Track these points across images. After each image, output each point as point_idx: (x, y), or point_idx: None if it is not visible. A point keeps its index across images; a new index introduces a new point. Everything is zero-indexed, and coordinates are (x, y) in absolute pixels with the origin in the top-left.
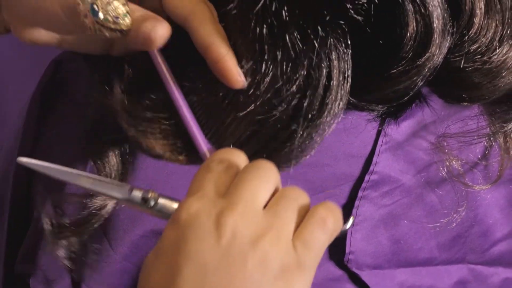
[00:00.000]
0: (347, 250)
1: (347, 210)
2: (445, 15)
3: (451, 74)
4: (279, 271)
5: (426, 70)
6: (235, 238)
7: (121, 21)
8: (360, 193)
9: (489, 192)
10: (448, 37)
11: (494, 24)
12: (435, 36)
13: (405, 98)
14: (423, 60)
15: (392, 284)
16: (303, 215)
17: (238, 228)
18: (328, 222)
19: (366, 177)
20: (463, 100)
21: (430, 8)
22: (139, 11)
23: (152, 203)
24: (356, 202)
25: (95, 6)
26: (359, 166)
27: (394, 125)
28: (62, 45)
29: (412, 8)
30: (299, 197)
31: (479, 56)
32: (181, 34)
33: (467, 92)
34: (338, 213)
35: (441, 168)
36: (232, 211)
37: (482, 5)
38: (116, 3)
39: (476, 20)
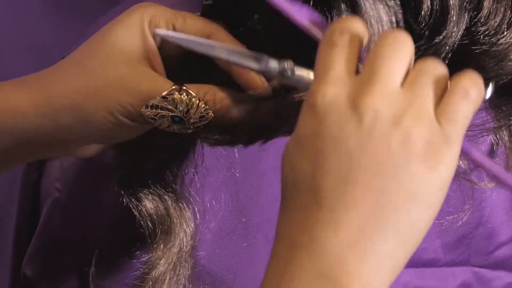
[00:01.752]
0: None
1: None
2: None
3: (458, 57)
4: (424, 148)
5: (445, 48)
6: (376, 120)
7: (205, 117)
8: None
9: (495, 192)
10: (466, 14)
11: (503, 9)
12: (452, 13)
13: None
14: (441, 37)
15: (397, 285)
16: (443, 87)
17: (378, 110)
18: (472, 93)
19: None
20: None
21: None
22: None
23: (289, 73)
24: None
25: (176, 118)
26: None
27: None
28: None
29: None
30: (436, 69)
31: (487, 38)
32: None
33: None
34: (480, 82)
35: None
36: (370, 92)
37: None
38: (193, 102)
39: (486, 3)
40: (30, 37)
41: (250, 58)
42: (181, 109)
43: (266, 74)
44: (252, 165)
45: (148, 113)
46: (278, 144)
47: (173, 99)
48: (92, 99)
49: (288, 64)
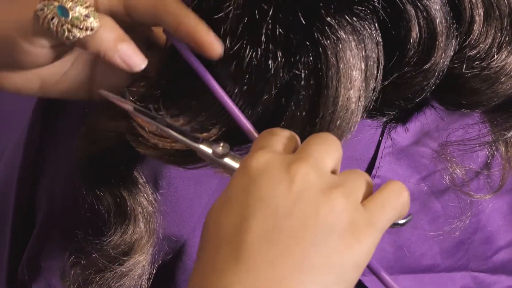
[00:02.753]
0: None
1: None
2: (448, 18)
3: (450, 80)
4: (347, 225)
5: (433, 74)
6: (306, 185)
7: (91, 18)
8: None
9: (492, 198)
10: (453, 40)
11: (493, 31)
12: (440, 40)
13: (413, 103)
14: (429, 64)
15: None
16: (370, 190)
17: (310, 177)
18: (404, 195)
19: None
20: (462, 106)
21: (432, 12)
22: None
23: (221, 153)
24: None
25: (64, 6)
26: (361, 169)
27: (403, 130)
28: (44, 92)
29: (414, 13)
30: (366, 175)
31: (478, 62)
32: None
33: (466, 98)
34: (409, 195)
35: (444, 176)
36: (304, 162)
37: (481, 11)
38: (83, 4)
39: (476, 26)
40: None
41: (186, 135)
42: (68, 1)
43: (200, 153)
44: None
45: (39, 5)
46: None
47: None
48: (1, 10)
49: (222, 145)
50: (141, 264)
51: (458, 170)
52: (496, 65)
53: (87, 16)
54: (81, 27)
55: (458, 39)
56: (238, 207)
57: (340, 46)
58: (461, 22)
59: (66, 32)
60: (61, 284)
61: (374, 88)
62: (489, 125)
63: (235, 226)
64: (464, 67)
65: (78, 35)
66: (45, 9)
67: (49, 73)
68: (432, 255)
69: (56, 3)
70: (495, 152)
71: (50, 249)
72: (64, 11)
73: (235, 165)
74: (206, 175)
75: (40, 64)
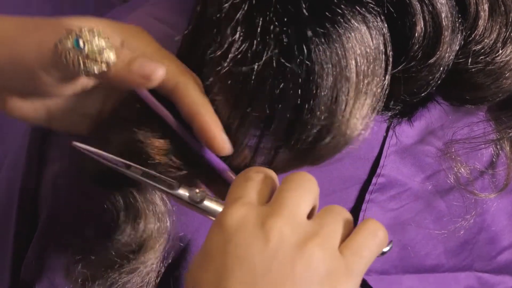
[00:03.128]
0: None
1: (354, 213)
2: (454, 12)
3: (454, 75)
4: (326, 275)
5: (438, 68)
6: (282, 241)
7: (107, 54)
8: (367, 196)
9: (497, 198)
10: (458, 35)
11: (498, 26)
12: (445, 34)
13: (418, 98)
14: (434, 59)
15: None
16: (348, 229)
17: (285, 232)
18: (380, 234)
19: (373, 180)
20: (466, 102)
21: (438, 7)
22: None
23: (198, 200)
24: (364, 206)
25: (80, 40)
26: (366, 168)
27: (408, 125)
28: (51, 122)
29: (420, 8)
30: (343, 212)
31: (482, 57)
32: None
33: (470, 93)
34: (385, 230)
35: (449, 175)
36: (278, 216)
37: (486, 7)
38: (100, 37)
39: (481, 22)
40: None
41: (162, 183)
42: (87, 32)
43: (177, 199)
44: None
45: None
46: None
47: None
48: (25, 34)
49: (199, 192)
50: (150, 262)
51: (462, 169)
52: (500, 60)
53: (103, 49)
54: (97, 60)
55: (463, 33)
56: (216, 265)
57: (353, 34)
58: (466, 17)
59: (82, 66)
60: (65, 283)
61: (384, 80)
62: (494, 123)
63: (214, 284)
64: (469, 61)
65: (93, 68)
66: (64, 41)
67: (57, 107)
68: (436, 254)
69: (74, 35)
70: (500, 151)
71: (53, 249)
72: (80, 44)
73: (214, 209)
74: None
75: (53, 95)
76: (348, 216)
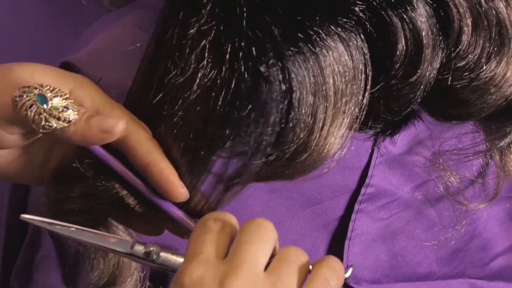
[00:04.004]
0: (344, 265)
1: (343, 223)
2: (434, 30)
3: (439, 92)
4: None
5: (419, 87)
6: None
7: (70, 110)
8: (356, 207)
9: (488, 205)
10: (439, 52)
11: (481, 41)
12: (426, 52)
13: (400, 116)
14: (415, 77)
15: None
16: (304, 274)
17: None
18: (332, 282)
19: (362, 190)
20: (452, 117)
21: (418, 24)
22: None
23: (154, 257)
24: (353, 216)
25: (43, 97)
26: (355, 178)
27: (390, 142)
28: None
29: (400, 26)
30: (299, 258)
31: (467, 73)
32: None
33: (456, 110)
34: (340, 271)
35: (438, 185)
36: (236, 276)
37: (469, 22)
38: (62, 96)
39: (464, 37)
40: (29, 37)
41: (116, 244)
42: (48, 89)
43: (132, 257)
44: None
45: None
46: None
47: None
48: None
49: (153, 249)
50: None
51: (452, 179)
52: (485, 75)
53: (66, 107)
54: (59, 117)
55: (446, 50)
56: None
57: (330, 53)
58: (450, 33)
59: (43, 121)
60: None
61: (363, 100)
62: (483, 133)
63: None
64: (452, 78)
65: (54, 125)
66: (24, 96)
67: (2, 156)
68: (428, 263)
69: (36, 91)
70: (489, 160)
71: (42, 256)
72: (44, 100)
73: (172, 264)
74: None
75: (3, 147)
76: (304, 260)
